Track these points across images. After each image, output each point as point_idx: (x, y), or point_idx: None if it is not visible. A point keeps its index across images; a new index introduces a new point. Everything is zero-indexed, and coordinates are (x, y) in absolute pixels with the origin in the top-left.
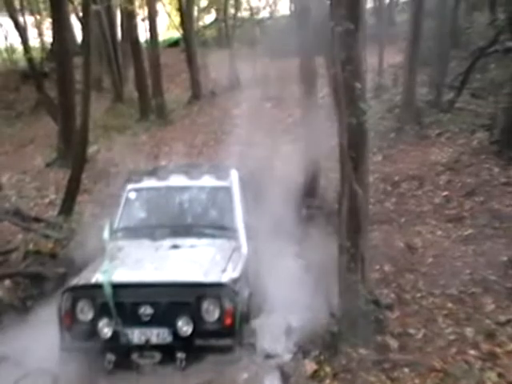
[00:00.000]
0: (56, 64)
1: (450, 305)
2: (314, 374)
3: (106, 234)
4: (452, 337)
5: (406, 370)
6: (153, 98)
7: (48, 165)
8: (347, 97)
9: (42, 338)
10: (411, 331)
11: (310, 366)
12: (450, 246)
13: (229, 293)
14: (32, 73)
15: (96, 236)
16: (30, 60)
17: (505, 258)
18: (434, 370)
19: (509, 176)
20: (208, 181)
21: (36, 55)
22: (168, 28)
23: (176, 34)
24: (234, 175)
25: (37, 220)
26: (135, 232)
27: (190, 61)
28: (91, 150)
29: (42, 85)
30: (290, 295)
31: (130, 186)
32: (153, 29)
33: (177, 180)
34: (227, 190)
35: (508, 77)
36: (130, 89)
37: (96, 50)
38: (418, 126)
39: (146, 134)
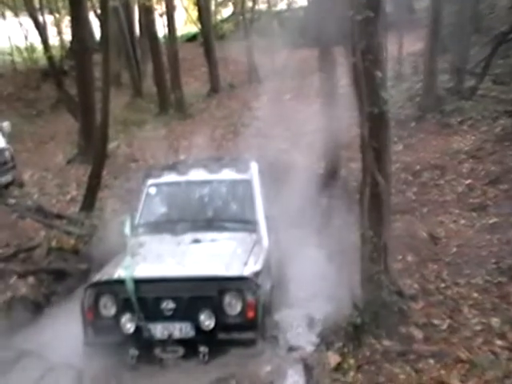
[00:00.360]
0: (75, 62)
1: (475, 295)
2: (338, 367)
3: (127, 230)
4: (478, 327)
5: (431, 361)
6: (171, 93)
7: (69, 161)
8: (368, 86)
9: (65, 333)
10: (436, 322)
11: (333, 358)
12: (474, 235)
13: (251, 286)
14: (52, 71)
15: (117, 232)
16: (49, 58)
17: None
18: (459, 360)
19: None
20: (228, 174)
21: (56, 53)
22: (185, 23)
23: (194, 28)
24: (254, 168)
25: (59, 217)
26: (156, 227)
27: (208, 54)
28: (111, 145)
29: (61, 82)
30: (312, 287)
31: (150, 181)
32: (171, 24)
33: (197, 174)
34: (247, 183)
35: None
36: (149, 84)
37: (115, 46)
38: (440, 114)
39: (165, 129)
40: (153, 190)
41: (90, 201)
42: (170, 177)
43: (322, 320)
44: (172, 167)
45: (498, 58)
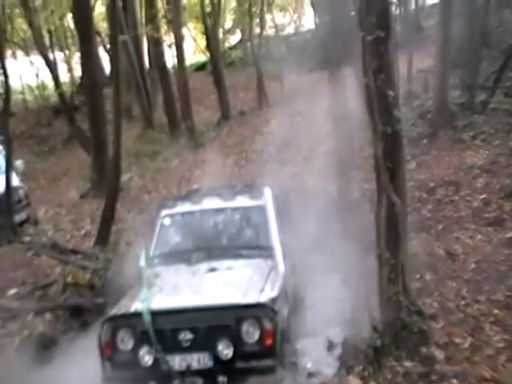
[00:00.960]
0: (86, 96)
1: (496, 311)
2: None
3: (142, 262)
4: (501, 344)
5: (455, 381)
6: (182, 122)
7: (82, 196)
8: (380, 105)
9: (84, 369)
10: (457, 340)
11: (354, 382)
12: (492, 250)
13: (268, 313)
14: (63, 107)
15: (132, 264)
16: (60, 95)
17: None
18: (483, 379)
19: None
20: (242, 201)
21: (66, 90)
22: (194, 52)
23: (202, 57)
24: (268, 194)
25: (74, 252)
26: (171, 257)
27: (218, 82)
28: (124, 178)
29: (73, 118)
30: (330, 311)
31: (164, 212)
32: (179, 54)
33: (210, 203)
34: (262, 209)
35: None
36: (160, 114)
37: (125, 79)
38: (452, 130)
39: (177, 159)
40: (167, 221)
41: (104, 235)
42: (184, 206)
43: (341, 344)
44: (185, 197)
45: (509, 71)
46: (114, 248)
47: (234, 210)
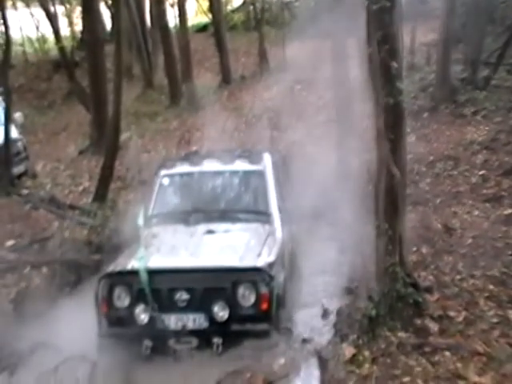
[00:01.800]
0: (87, 53)
1: (491, 287)
2: (353, 359)
3: (140, 221)
4: (494, 319)
5: (448, 353)
6: (183, 84)
7: (81, 153)
8: (383, 76)
9: (79, 324)
10: (452, 314)
11: (348, 350)
12: (489, 226)
13: (264, 277)
14: (63, 62)
15: (130, 222)
16: (61, 49)
17: None
18: (476, 353)
19: None
20: (241, 165)
21: (67, 44)
22: (196, 13)
23: (204, 19)
24: (268, 159)
25: (72, 207)
26: (169, 218)
27: (220, 45)
28: (123, 137)
29: (73, 74)
30: (326, 279)
31: (163, 172)
32: (182, 14)
33: (210, 165)
34: (261, 174)
35: None
36: (160, 75)
37: (126, 38)
38: (453, 105)
39: (176, 120)
40: (166, 181)
41: (102, 192)
42: (184, 167)
43: (336, 312)
44: (185, 158)
45: None
46: (112, 206)
47: (233, 173)
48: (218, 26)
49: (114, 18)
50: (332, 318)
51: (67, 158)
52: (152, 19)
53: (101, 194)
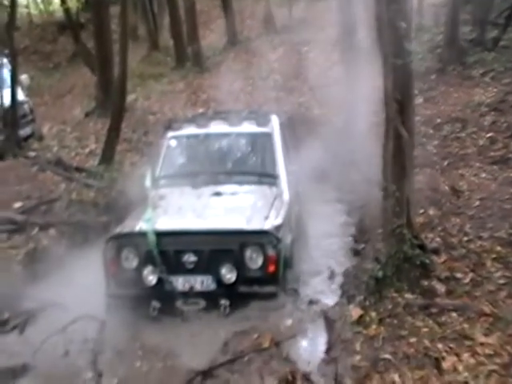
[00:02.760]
0: (92, 14)
1: (498, 248)
2: (360, 320)
3: (147, 182)
4: (501, 281)
5: (454, 314)
6: (188, 46)
7: (87, 115)
8: (392, 37)
9: (87, 285)
10: (458, 275)
11: (354, 311)
12: (496, 188)
13: (272, 240)
14: (69, 23)
15: (137, 184)
16: (66, 10)
17: None
18: (483, 314)
19: None
20: (249, 127)
21: (72, 6)
22: None
23: None
24: (275, 121)
25: (78, 170)
26: (176, 179)
27: (225, 7)
28: (129, 99)
29: (78, 35)
30: (333, 241)
31: (170, 134)
32: None
33: (217, 127)
34: (268, 136)
35: None
36: (166, 37)
37: None
38: (461, 66)
39: (182, 82)
40: (173, 143)
41: (108, 154)
42: (191, 129)
43: (343, 274)
44: (192, 120)
45: None
46: (119, 168)
47: (241, 135)
48: None
49: None
50: (339, 279)
51: (73, 120)
52: None
53: (107, 156)
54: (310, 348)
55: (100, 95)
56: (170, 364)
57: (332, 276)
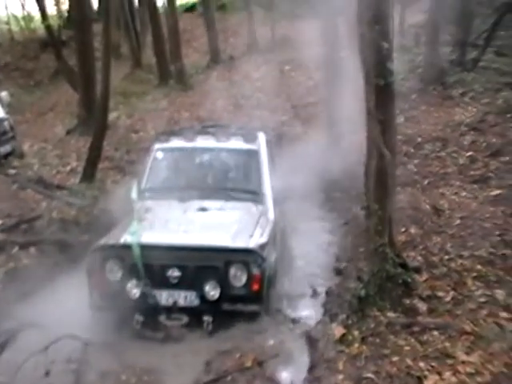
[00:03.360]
0: (75, 31)
1: (479, 267)
2: (342, 338)
3: (133, 194)
4: (482, 299)
5: (436, 333)
6: (172, 64)
7: (69, 132)
8: (374, 57)
9: (68, 304)
10: (440, 294)
11: (337, 330)
12: (477, 207)
13: (256, 259)
14: (51, 41)
15: (119, 202)
16: (48, 27)
17: None
18: (464, 332)
19: None
20: (236, 143)
21: (53, 23)
22: None
23: None
24: (262, 138)
25: (59, 187)
26: (163, 192)
27: (208, 25)
28: (111, 116)
29: (60, 53)
30: (316, 260)
31: (157, 146)
32: None
33: (204, 141)
34: (255, 153)
35: None
36: (149, 55)
37: (113, 17)
38: (442, 86)
39: (165, 100)
40: (160, 155)
41: (90, 172)
42: (178, 142)
43: (326, 292)
44: (179, 133)
45: (501, 30)
46: (101, 186)
47: (228, 151)
48: (206, 6)
49: None
50: (322, 298)
51: (55, 137)
52: None
53: (89, 174)
54: (293, 367)
55: (82, 113)
56: None
57: (315, 295)
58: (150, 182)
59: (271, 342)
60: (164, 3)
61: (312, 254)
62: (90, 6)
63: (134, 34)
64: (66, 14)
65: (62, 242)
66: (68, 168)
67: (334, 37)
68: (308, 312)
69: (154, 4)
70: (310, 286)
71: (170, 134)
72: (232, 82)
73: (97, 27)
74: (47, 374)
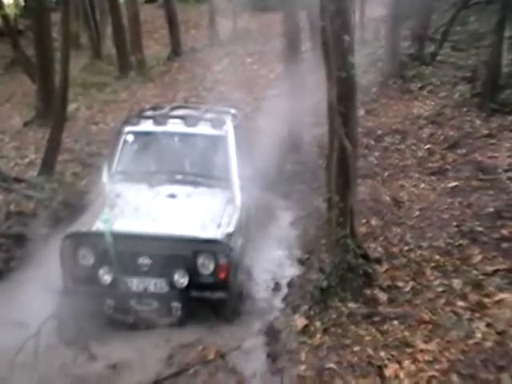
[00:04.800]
0: (32, 21)
1: (437, 257)
2: (305, 329)
3: (104, 177)
4: (440, 289)
5: (396, 322)
6: (132, 55)
7: (26, 124)
8: (336, 50)
9: (25, 299)
10: (400, 284)
11: (300, 321)
12: (435, 198)
13: (224, 249)
14: (7, 30)
15: (78, 195)
16: (4, 17)
17: (491, 210)
18: (423, 321)
19: (490, 128)
20: (204, 129)
21: (10, 12)
22: None
23: None
24: (230, 124)
25: (17, 180)
26: (133, 176)
27: (169, 17)
28: (71, 108)
29: (17, 42)
30: (278, 251)
31: (127, 129)
32: None
33: (174, 126)
34: (223, 139)
35: (488, 29)
36: (109, 46)
37: (72, 6)
38: (401, 80)
39: (126, 91)
40: (130, 138)
41: (49, 164)
42: (148, 126)
43: (288, 284)
44: (150, 116)
45: (457, 25)
46: (60, 178)
47: (196, 136)
48: None
49: None
50: (284, 289)
51: (12, 129)
52: None
53: (48, 167)
54: (256, 359)
55: (40, 104)
56: (114, 378)
57: (277, 286)
58: (120, 165)
59: (234, 334)
60: None
61: (275, 246)
62: None
63: (94, 25)
64: (22, 3)
65: (20, 236)
66: (26, 160)
67: (296, 29)
68: (271, 303)
69: None
70: (273, 277)
71: (139, 116)
72: (194, 74)
73: (55, 17)
74: None
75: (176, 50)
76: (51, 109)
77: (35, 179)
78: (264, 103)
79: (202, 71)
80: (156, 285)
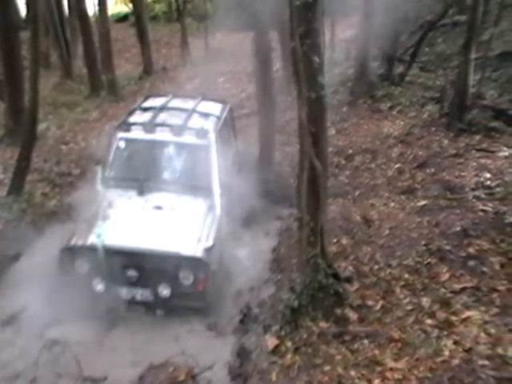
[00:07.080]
0: (1, 39)
1: (406, 275)
2: (276, 349)
3: (98, 185)
4: (409, 307)
5: (366, 341)
6: (103, 74)
7: None
8: (306, 70)
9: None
10: (370, 303)
11: (271, 341)
12: (405, 217)
13: (202, 265)
14: None
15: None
16: None
17: (458, 228)
18: (392, 340)
19: (457, 148)
20: (188, 138)
21: None
22: (116, 2)
23: (124, 8)
24: (212, 135)
25: None
26: (123, 182)
27: (141, 36)
28: (41, 127)
29: None
30: (249, 271)
31: (120, 135)
32: (102, 2)
33: (161, 134)
34: (206, 149)
35: (455, 50)
36: (79, 65)
37: (42, 25)
38: (371, 100)
39: (97, 111)
40: (122, 144)
41: (18, 184)
42: (138, 133)
43: (259, 304)
44: (140, 124)
45: (425, 46)
46: (29, 198)
47: (181, 145)
48: (139, 16)
49: (29, 2)
50: (255, 309)
51: None
52: (70, 6)
53: (16, 187)
54: (227, 379)
55: (9, 123)
56: None
57: (248, 305)
58: (113, 170)
59: (205, 355)
60: (95, 12)
61: (245, 265)
62: (17, 12)
63: (64, 43)
64: None
65: None
66: None
67: (267, 49)
68: (242, 323)
69: (85, 12)
70: (245, 298)
71: (131, 123)
72: (165, 93)
73: (24, 35)
74: None
75: (147, 69)
76: (20, 128)
77: (3, 199)
78: (235, 122)
79: (174, 90)
80: (142, 294)
